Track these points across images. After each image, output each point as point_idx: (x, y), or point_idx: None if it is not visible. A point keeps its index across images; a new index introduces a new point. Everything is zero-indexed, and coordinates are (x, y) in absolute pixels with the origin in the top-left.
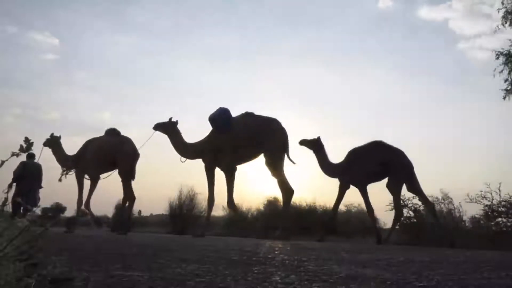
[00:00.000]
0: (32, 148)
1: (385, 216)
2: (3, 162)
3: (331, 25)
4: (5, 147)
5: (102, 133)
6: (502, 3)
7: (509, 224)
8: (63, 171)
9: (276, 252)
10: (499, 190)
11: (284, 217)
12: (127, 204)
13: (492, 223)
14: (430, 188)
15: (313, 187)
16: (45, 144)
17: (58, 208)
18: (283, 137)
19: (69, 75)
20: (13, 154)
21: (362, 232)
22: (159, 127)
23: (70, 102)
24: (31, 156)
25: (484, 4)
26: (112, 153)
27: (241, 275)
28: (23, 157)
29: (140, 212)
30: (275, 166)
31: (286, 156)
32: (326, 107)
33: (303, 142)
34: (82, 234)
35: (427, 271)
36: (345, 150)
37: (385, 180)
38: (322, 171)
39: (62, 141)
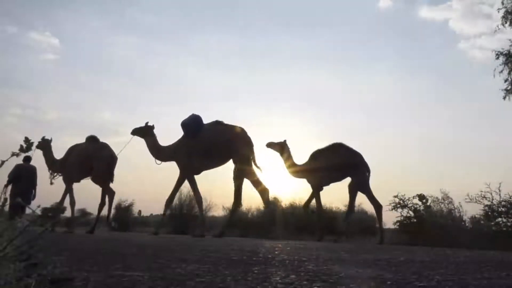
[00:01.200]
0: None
1: (385, 216)
2: (3, 162)
3: (331, 25)
4: (5, 147)
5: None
6: (502, 3)
7: (509, 224)
8: (50, 174)
9: (276, 252)
10: (499, 190)
11: (269, 216)
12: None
13: (492, 223)
14: (430, 188)
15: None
16: (37, 147)
17: (58, 208)
18: (249, 145)
19: (69, 75)
20: (13, 154)
21: (362, 232)
22: (136, 131)
23: (70, 102)
24: (27, 159)
25: (484, 4)
26: (90, 158)
27: (241, 275)
28: (23, 158)
29: (140, 212)
30: (246, 170)
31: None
32: (326, 107)
33: (270, 145)
34: (82, 234)
35: (427, 271)
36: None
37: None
38: (288, 172)
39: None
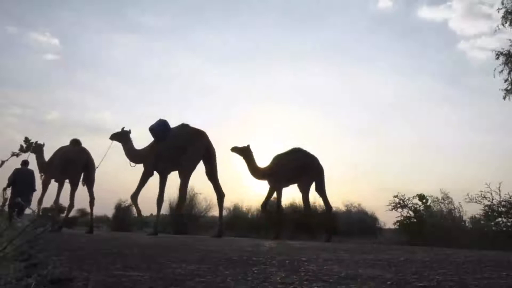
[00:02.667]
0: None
1: (385, 216)
2: (3, 162)
3: (331, 25)
4: (5, 147)
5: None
6: (502, 3)
7: (509, 224)
8: (41, 175)
9: (276, 252)
10: (499, 190)
11: (220, 217)
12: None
13: (492, 223)
14: (430, 188)
15: (313, 188)
16: (31, 151)
17: (58, 209)
18: (209, 148)
19: (69, 75)
20: (13, 154)
21: (362, 232)
22: (113, 136)
23: (70, 102)
24: (25, 163)
25: (484, 4)
26: (69, 161)
27: (241, 275)
28: (23, 157)
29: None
30: (183, 172)
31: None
32: (326, 107)
33: (234, 149)
34: (82, 234)
35: (427, 271)
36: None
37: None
38: (251, 174)
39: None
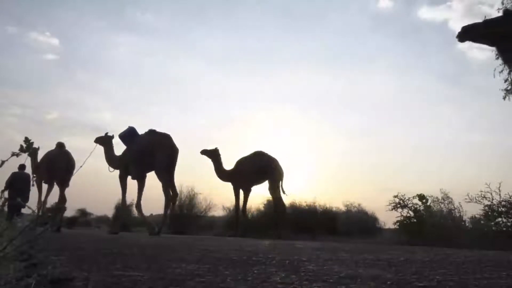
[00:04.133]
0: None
1: (385, 216)
2: (3, 162)
3: (331, 25)
4: (5, 147)
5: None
6: (502, 3)
7: (509, 224)
8: (33, 177)
9: (276, 252)
10: (499, 190)
11: (165, 217)
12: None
13: (492, 223)
14: (430, 188)
15: (313, 188)
16: (29, 154)
17: (58, 208)
18: (172, 151)
19: (69, 75)
20: (13, 154)
21: (362, 232)
22: (97, 140)
23: (70, 102)
24: (22, 167)
25: (484, 4)
26: (53, 163)
27: (241, 275)
28: (20, 161)
29: None
30: (161, 174)
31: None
32: (326, 107)
33: (204, 152)
34: (82, 234)
35: (427, 271)
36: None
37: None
38: (217, 176)
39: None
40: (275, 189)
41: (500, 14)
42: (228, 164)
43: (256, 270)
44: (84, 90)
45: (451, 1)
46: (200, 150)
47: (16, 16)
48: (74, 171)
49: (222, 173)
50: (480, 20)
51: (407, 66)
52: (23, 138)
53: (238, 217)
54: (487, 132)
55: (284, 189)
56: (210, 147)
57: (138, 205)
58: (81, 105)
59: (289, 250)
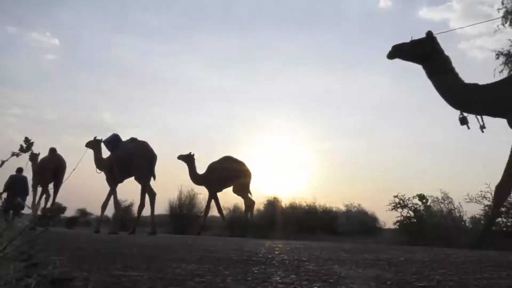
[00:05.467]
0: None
1: (385, 216)
2: (3, 162)
3: (331, 25)
4: (5, 147)
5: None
6: (502, 3)
7: (509, 224)
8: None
9: (276, 252)
10: None
11: (152, 217)
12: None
13: None
14: (430, 188)
15: (313, 188)
16: (29, 159)
17: (58, 208)
18: (148, 157)
19: (69, 75)
20: (13, 154)
21: (362, 232)
22: (87, 144)
23: (70, 102)
24: (19, 170)
25: (484, 4)
26: (43, 168)
27: (241, 275)
28: (23, 157)
29: None
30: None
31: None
32: (326, 107)
33: (180, 157)
34: (82, 234)
35: (427, 271)
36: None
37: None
38: (191, 180)
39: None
40: (244, 191)
41: (501, 14)
42: (202, 168)
43: (256, 270)
44: (84, 90)
45: (451, 1)
46: (177, 156)
47: (16, 16)
48: (66, 175)
49: (195, 178)
50: (480, 20)
51: (407, 66)
52: (23, 138)
53: (206, 218)
54: (487, 132)
55: (251, 191)
56: (185, 152)
57: (105, 205)
58: (81, 105)
59: (289, 250)
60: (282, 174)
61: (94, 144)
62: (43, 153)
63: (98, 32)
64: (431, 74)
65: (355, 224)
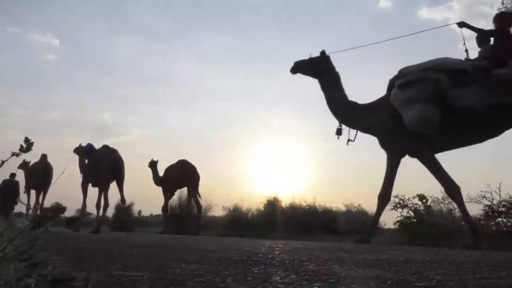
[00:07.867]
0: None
1: (385, 216)
2: (3, 162)
3: (331, 25)
4: (5, 147)
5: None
6: (502, 3)
7: (509, 224)
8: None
9: (276, 252)
10: (499, 190)
11: (99, 219)
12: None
13: (492, 223)
14: (430, 188)
15: (313, 188)
16: (20, 167)
17: (58, 209)
18: (117, 162)
19: (70, 75)
20: (13, 154)
21: (362, 232)
22: (76, 150)
23: (70, 102)
24: (12, 175)
25: (484, 4)
26: (32, 173)
27: (241, 275)
28: (23, 157)
29: (140, 212)
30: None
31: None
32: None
33: (151, 164)
34: (82, 234)
35: (427, 271)
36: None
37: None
38: (154, 182)
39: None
40: (194, 192)
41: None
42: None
43: (256, 270)
44: (84, 90)
45: (451, 1)
46: (148, 164)
47: (16, 16)
48: (53, 180)
49: (156, 180)
50: (481, 21)
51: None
52: (23, 138)
53: (167, 216)
54: None
55: (199, 193)
56: (154, 159)
57: (98, 205)
58: (81, 105)
59: (289, 250)
60: (282, 174)
61: (78, 150)
62: (37, 156)
63: (98, 32)
64: (323, 88)
65: (355, 224)
